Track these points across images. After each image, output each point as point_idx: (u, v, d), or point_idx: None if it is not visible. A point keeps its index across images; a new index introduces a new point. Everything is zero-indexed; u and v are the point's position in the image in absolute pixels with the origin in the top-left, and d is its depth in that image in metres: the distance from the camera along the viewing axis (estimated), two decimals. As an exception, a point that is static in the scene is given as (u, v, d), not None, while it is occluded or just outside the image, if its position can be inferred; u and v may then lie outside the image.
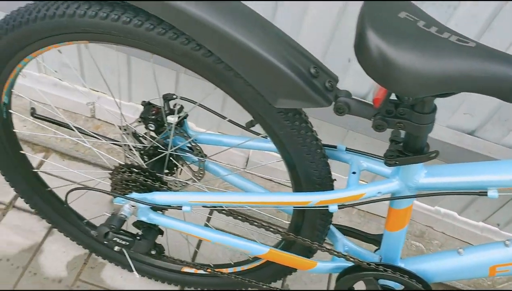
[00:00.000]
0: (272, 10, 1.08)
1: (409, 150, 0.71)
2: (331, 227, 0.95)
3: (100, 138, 1.00)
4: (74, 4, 0.69)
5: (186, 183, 0.98)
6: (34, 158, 1.36)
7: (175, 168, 0.99)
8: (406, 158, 0.71)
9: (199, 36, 0.65)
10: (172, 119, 0.89)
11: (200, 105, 0.88)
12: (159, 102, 0.92)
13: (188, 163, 0.97)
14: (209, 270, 1.05)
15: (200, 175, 0.98)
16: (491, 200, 1.36)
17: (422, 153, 0.71)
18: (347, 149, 0.84)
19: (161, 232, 0.99)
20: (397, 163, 0.72)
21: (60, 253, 1.23)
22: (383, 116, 0.67)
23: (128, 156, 0.97)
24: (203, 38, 0.65)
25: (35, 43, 0.75)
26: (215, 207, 0.86)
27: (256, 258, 1.09)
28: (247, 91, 0.71)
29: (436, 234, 1.50)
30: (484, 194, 0.71)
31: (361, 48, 0.58)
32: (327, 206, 0.77)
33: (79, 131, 0.96)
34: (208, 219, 1.34)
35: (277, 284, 1.22)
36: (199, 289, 1.21)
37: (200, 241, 1.33)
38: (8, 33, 0.75)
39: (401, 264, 0.89)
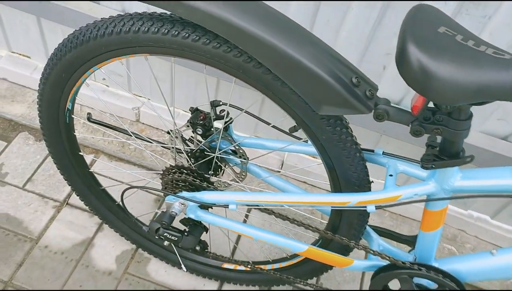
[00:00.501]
0: (311, 20, 1.14)
1: (445, 154, 0.76)
2: (367, 227, 1.00)
3: (152, 142, 1.08)
4: (139, 21, 0.77)
5: (230, 184, 1.05)
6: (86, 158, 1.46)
7: (219, 169, 1.06)
8: (442, 161, 0.75)
9: (252, 49, 0.71)
10: (219, 124, 0.96)
11: (246, 112, 0.95)
12: (204, 108, 0.99)
13: (231, 164, 1.04)
14: (248, 267, 1.12)
15: (243, 176, 1.04)
16: (524, 205, 1.38)
17: (458, 157, 0.75)
18: (384, 153, 0.89)
19: (206, 229, 1.06)
20: (434, 166, 0.76)
21: (110, 248, 1.32)
22: (420, 122, 0.72)
23: (177, 158, 1.04)
24: (255, 52, 0.71)
25: (101, 56, 0.84)
26: (259, 205, 0.92)
27: (294, 256, 1.14)
28: (293, 99, 0.77)
29: (468, 237, 1.51)
30: (518, 196, 0.75)
31: (402, 61, 0.63)
32: (365, 206, 0.82)
33: (136, 137, 1.04)
34: (246, 216, 1.41)
35: (311, 282, 1.28)
36: (238, 284, 1.27)
37: (239, 239, 1.39)
38: (78, 47, 0.84)
39: (435, 264, 0.93)
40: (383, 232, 1.03)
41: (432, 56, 0.61)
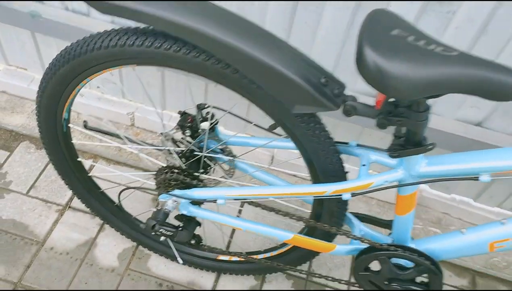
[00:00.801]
0: (289, 22, 1.21)
1: (409, 143, 0.83)
2: (349, 214, 1.07)
3: (145, 145, 1.15)
4: (124, 36, 0.84)
5: (219, 180, 1.12)
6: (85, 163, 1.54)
7: (209, 167, 1.13)
8: (407, 150, 0.82)
9: (227, 57, 0.79)
10: (205, 125, 1.04)
11: (230, 112, 1.02)
12: (192, 111, 1.07)
13: (220, 162, 1.12)
14: (242, 257, 1.19)
15: (231, 173, 1.12)
16: (503, 186, 1.46)
17: (421, 145, 0.82)
18: (358, 145, 0.96)
19: (199, 224, 1.13)
20: (400, 155, 0.83)
21: (112, 246, 1.40)
22: (384, 116, 0.80)
23: (169, 158, 1.12)
24: (230, 59, 0.79)
25: (92, 68, 0.91)
26: (245, 199, 1.00)
27: (283, 245, 1.22)
28: (268, 100, 0.84)
29: (453, 220, 1.59)
30: (476, 178, 0.82)
31: (361, 63, 0.70)
32: (341, 195, 0.90)
33: (129, 140, 1.12)
34: (240, 211, 1.49)
35: (303, 267, 1.36)
36: (233, 274, 1.35)
37: (233, 232, 1.47)
38: (70, 61, 0.91)
39: (412, 245, 1.01)
40: (364, 218, 1.10)
41: (386, 57, 0.68)
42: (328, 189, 0.90)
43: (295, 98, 0.81)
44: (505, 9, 1.03)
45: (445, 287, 1.45)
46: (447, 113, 1.29)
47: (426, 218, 1.58)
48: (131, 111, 1.60)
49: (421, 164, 0.86)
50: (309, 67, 0.81)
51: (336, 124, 1.37)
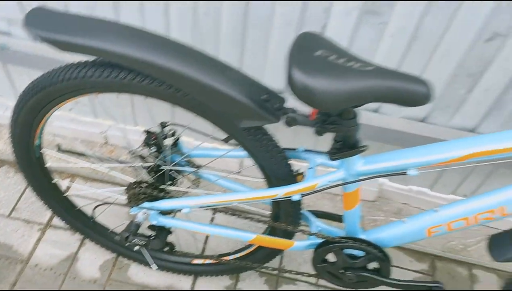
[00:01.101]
0: (241, 41, 1.31)
1: (346, 146, 0.94)
2: (307, 212, 1.18)
3: (115, 162, 1.24)
4: (84, 69, 0.93)
5: (186, 191, 1.21)
6: (63, 183, 1.61)
7: (176, 179, 1.23)
8: (343, 153, 0.93)
9: (177, 83, 0.88)
10: (168, 141, 1.13)
11: (189, 128, 1.12)
12: (157, 128, 1.16)
13: (185, 174, 1.21)
14: (214, 259, 1.29)
15: (197, 183, 1.21)
16: (454, 176, 1.58)
17: (355, 147, 0.93)
18: (305, 150, 1.07)
19: (170, 232, 1.23)
20: (338, 157, 0.94)
21: (93, 259, 1.48)
22: (320, 124, 0.90)
23: (137, 174, 1.21)
24: (181, 85, 0.88)
25: (58, 98, 1.00)
26: (208, 206, 1.10)
27: (250, 245, 1.32)
28: (218, 117, 0.94)
29: (412, 209, 1.71)
30: (404, 173, 0.93)
31: (290, 82, 0.80)
32: (290, 197, 1.00)
33: (99, 160, 1.21)
34: (212, 219, 1.58)
35: (275, 264, 1.46)
36: (209, 276, 1.44)
37: (207, 238, 1.57)
38: (37, 93, 1.00)
39: (363, 236, 1.11)
40: (319, 214, 1.21)
41: (310, 76, 0.79)
42: (279, 192, 1.00)
43: (241, 115, 0.91)
44: (431, 16, 1.14)
45: (406, 272, 1.57)
46: (393, 112, 1.41)
47: (388, 210, 1.70)
48: (104, 130, 1.68)
49: (358, 164, 0.97)
50: (251, 86, 0.91)
51: (299, 130, 1.47)
